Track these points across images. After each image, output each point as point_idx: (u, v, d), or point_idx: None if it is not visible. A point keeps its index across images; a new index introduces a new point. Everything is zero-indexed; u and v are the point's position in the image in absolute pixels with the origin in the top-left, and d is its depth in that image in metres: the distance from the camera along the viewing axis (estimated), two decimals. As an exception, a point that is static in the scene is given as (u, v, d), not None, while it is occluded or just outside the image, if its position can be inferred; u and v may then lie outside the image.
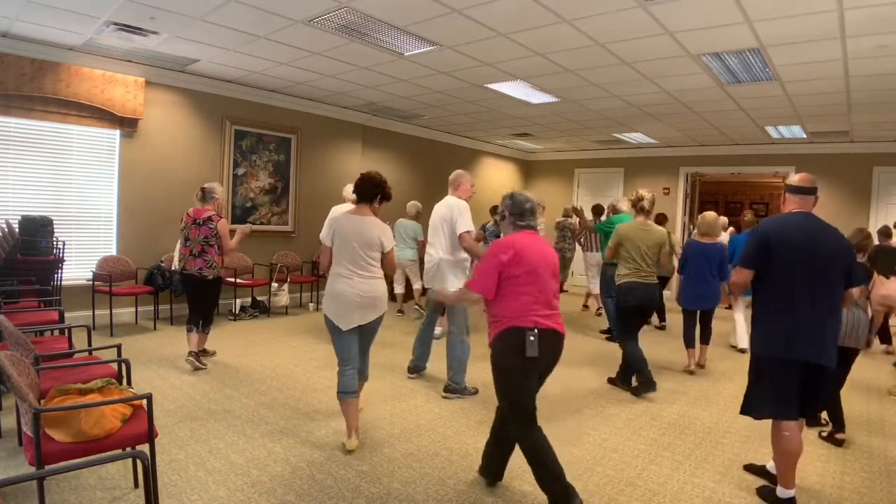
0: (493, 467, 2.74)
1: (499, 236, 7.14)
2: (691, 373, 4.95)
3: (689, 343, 5.04)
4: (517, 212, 2.60)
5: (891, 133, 7.52)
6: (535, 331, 2.38)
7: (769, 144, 8.89)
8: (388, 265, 3.23)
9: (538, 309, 2.43)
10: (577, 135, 9.33)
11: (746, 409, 2.69)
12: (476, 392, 4.15)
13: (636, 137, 9.18)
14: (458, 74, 5.85)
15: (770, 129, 7.75)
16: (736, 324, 5.93)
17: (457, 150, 10.30)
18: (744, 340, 5.76)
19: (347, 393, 3.09)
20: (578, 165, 11.40)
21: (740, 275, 2.66)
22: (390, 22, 4.33)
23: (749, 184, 12.94)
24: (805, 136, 8.00)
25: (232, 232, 4.61)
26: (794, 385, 2.52)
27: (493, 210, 7.76)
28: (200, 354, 4.60)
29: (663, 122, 7.71)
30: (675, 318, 8.07)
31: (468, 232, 4.07)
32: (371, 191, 3.23)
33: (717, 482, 2.88)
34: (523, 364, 2.41)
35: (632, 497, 2.69)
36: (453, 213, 4.14)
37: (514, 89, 6.34)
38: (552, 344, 2.47)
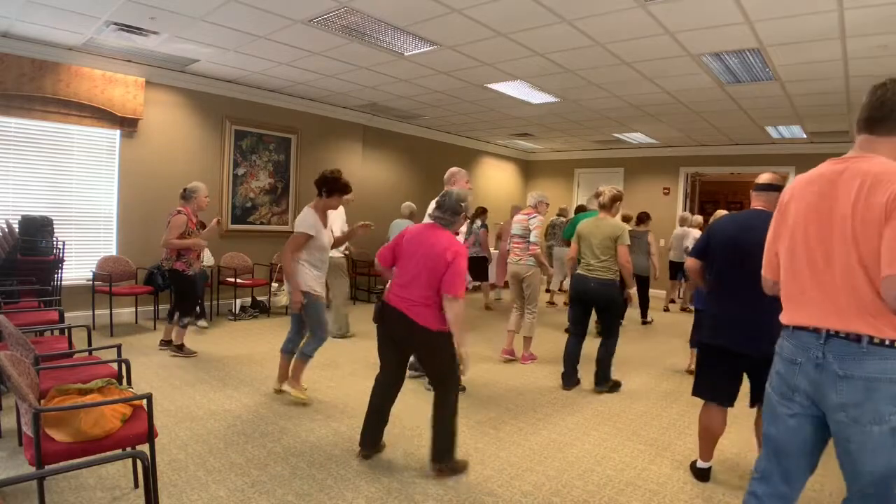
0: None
1: (477, 234, 7.35)
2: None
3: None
4: (436, 206, 2.92)
5: (891, 133, 7.51)
6: (381, 304, 2.83)
7: (769, 144, 8.89)
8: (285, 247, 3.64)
9: (397, 289, 2.79)
10: (577, 135, 9.33)
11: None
12: (463, 389, 3.93)
13: (636, 137, 9.18)
14: (458, 74, 5.85)
15: (770, 129, 7.75)
16: None
17: (457, 150, 10.30)
18: None
19: (282, 350, 3.94)
20: (578, 165, 11.40)
21: (687, 262, 3.01)
22: (390, 22, 4.33)
23: (749, 184, 12.80)
24: (805, 136, 8.00)
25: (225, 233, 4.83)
26: (720, 371, 2.72)
27: (480, 211, 7.77)
28: (177, 348, 4.84)
29: (663, 122, 7.71)
30: (681, 318, 8.09)
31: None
32: (318, 186, 3.74)
33: (718, 482, 2.88)
34: (378, 326, 2.89)
35: (632, 497, 2.69)
36: None
37: (514, 89, 6.34)
38: (395, 321, 2.76)
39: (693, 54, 4.71)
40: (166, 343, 4.97)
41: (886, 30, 3.86)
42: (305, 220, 3.66)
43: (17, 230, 4.78)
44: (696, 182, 10.42)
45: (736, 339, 2.60)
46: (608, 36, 4.40)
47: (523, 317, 5.12)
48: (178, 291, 4.85)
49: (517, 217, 5.14)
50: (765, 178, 2.81)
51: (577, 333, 4.42)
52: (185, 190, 4.77)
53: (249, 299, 6.99)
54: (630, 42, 4.50)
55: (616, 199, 4.37)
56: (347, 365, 4.83)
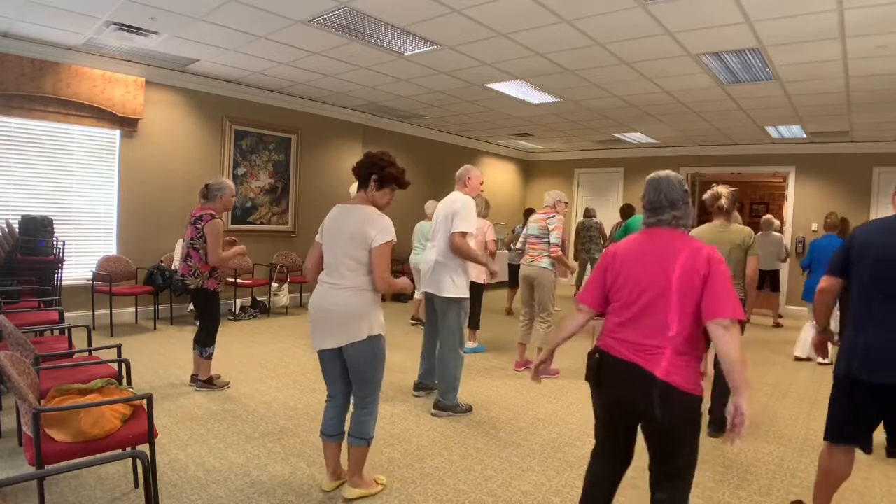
0: None
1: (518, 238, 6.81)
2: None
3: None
4: (645, 205, 1.98)
5: (891, 133, 7.52)
6: (598, 355, 1.92)
7: (769, 144, 8.89)
8: (374, 267, 2.42)
9: (619, 330, 1.88)
10: (577, 135, 9.33)
11: (825, 433, 2.36)
12: (469, 409, 3.79)
13: (636, 137, 9.18)
14: (458, 74, 5.85)
15: (770, 129, 7.75)
16: (802, 332, 5.84)
17: (457, 150, 10.31)
18: (800, 350, 5.70)
19: (323, 434, 2.60)
20: (578, 165, 11.40)
21: (823, 282, 2.40)
22: (390, 22, 4.33)
23: (749, 184, 12.93)
24: (805, 136, 8.01)
25: (231, 243, 4.13)
26: (866, 409, 2.19)
27: (527, 212, 7.47)
28: (205, 383, 3.98)
29: (663, 122, 7.71)
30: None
31: (463, 233, 3.64)
32: (365, 171, 2.56)
33: (718, 482, 2.88)
34: (593, 389, 1.98)
35: (632, 497, 2.68)
36: (455, 209, 3.69)
37: (514, 89, 6.34)
38: (624, 379, 1.84)
39: (693, 54, 4.71)
40: (198, 379, 4.03)
41: (886, 30, 3.86)
42: (391, 225, 2.50)
43: (17, 230, 4.78)
44: (696, 182, 10.42)
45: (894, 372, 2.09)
46: (608, 36, 4.40)
47: (532, 326, 4.86)
48: (206, 314, 3.98)
49: (534, 216, 4.89)
50: None
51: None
52: (207, 186, 3.93)
53: (249, 299, 6.99)
54: (630, 42, 4.50)
55: (736, 200, 3.60)
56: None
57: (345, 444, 2.59)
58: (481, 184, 4.04)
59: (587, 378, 1.96)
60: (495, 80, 6.02)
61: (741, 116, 7.02)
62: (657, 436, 1.83)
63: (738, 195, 3.60)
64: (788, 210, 9.02)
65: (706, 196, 3.70)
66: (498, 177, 11.43)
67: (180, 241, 6.21)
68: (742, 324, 4.54)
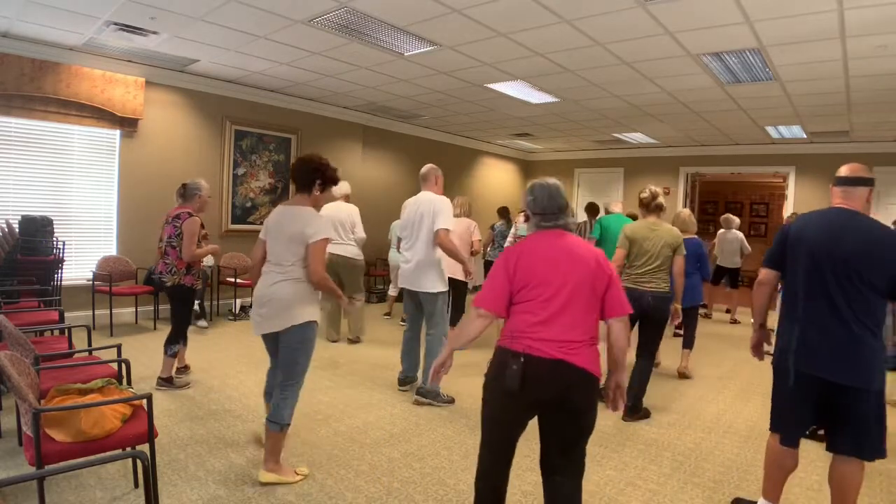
0: None
1: (505, 237, 6.95)
2: (682, 374, 4.85)
3: (685, 344, 4.95)
4: (537, 210, 2.07)
5: (891, 133, 7.53)
6: (521, 358, 1.88)
7: (769, 144, 8.89)
8: (309, 262, 2.63)
9: (538, 330, 1.90)
10: (577, 135, 9.33)
11: (770, 425, 2.41)
12: (452, 401, 3.93)
13: (636, 137, 9.18)
14: (458, 74, 5.85)
15: (770, 129, 7.75)
16: None
17: (457, 150, 10.30)
18: None
19: (266, 393, 2.88)
20: (578, 165, 11.40)
21: (762, 273, 2.46)
22: (390, 22, 4.33)
23: (749, 184, 12.94)
24: (805, 136, 8.01)
25: (203, 237, 4.15)
26: (800, 403, 2.24)
27: (502, 211, 7.72)
28: (164, 381, 3.94)
29: (663, 122, 7.71)
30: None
31: (447, 230, 3.83)
32: (305, 176, 2.75)
33: (718, 482, 2.88)
34: (507, 393, 1.90)
35: (632, 497, 2.69)
36: (434, 208, 3.87)
37: (514, 89, 6.34)
38: (548, 377, 1.87)
39: (693, 54, 4.71)
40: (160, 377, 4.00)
41: (886, 30, 3.86)
42: (327, 223, 2.80)
43: (17, 230, 4.79)
44: (696, 182, 10.42)
45: (826, 365, 2.13)
46: (608, 36, 4.40)
47: None
48: (181, 311, 4.02)
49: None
50: (842, 169, 2.38)
51: (643, 355, 3.80)
52: (184, 186, 4.04)
53: (249, 299, 6.97)
54: (630, 42, 4.50)
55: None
56: (347, 365, 4.83)
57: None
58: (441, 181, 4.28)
59: (506, 384, 1.88)
60: (495, 81, 6.02)
61: (741, 116, 7.02)
62: (573, 424, 1.94)
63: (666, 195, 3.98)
64: (788, 210, 9.01)
65: (644, 194, 3.96)
66: (498, 177, 11.43)
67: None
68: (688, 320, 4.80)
